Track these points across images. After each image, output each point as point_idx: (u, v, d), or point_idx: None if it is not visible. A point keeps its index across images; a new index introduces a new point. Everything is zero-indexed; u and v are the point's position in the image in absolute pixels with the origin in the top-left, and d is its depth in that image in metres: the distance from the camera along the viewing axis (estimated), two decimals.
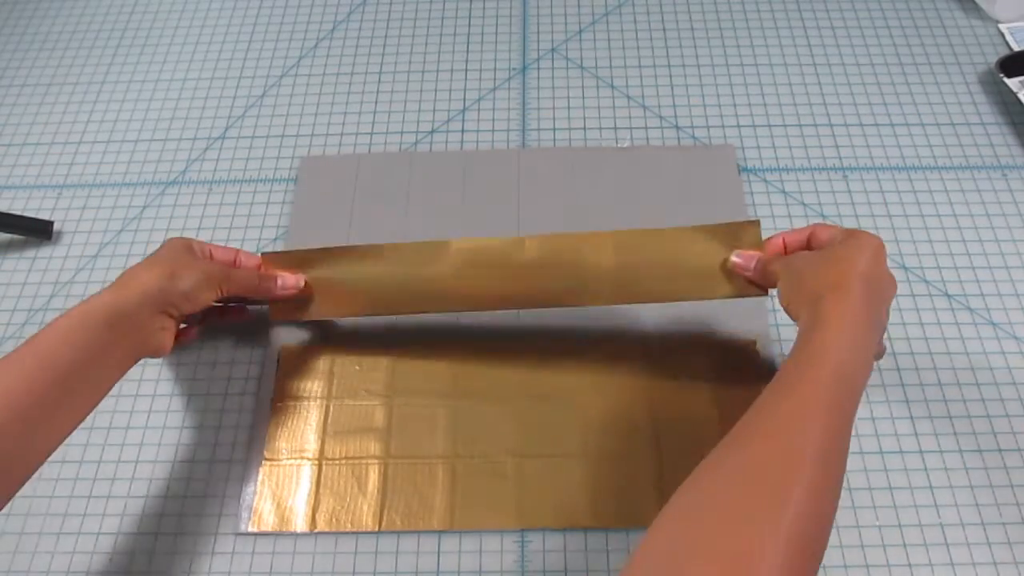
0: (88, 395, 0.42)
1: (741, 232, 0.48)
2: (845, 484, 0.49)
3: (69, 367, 0.40)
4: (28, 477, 0.39)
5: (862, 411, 0.52)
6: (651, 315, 0.56)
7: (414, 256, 0.52)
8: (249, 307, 0.56)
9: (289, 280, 0.52)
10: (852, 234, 0.44)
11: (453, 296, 0.52)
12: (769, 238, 0.48)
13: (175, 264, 0.46)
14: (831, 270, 0.42)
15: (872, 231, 0.59)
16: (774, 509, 0.30)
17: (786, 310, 0.44)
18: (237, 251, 0.52)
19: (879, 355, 0.50)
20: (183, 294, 0.46)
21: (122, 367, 0.44)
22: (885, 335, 0.54)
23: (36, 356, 0.40)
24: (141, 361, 0.55)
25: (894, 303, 0.56)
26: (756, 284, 0.48)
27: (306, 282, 0.53)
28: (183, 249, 0.48)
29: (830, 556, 0.47)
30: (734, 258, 0.48)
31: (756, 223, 0.48)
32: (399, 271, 0.52)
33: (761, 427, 0.35)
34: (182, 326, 0.51)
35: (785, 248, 0.48)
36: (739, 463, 0.33)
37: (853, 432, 0.50)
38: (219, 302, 0.50)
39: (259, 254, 0.54)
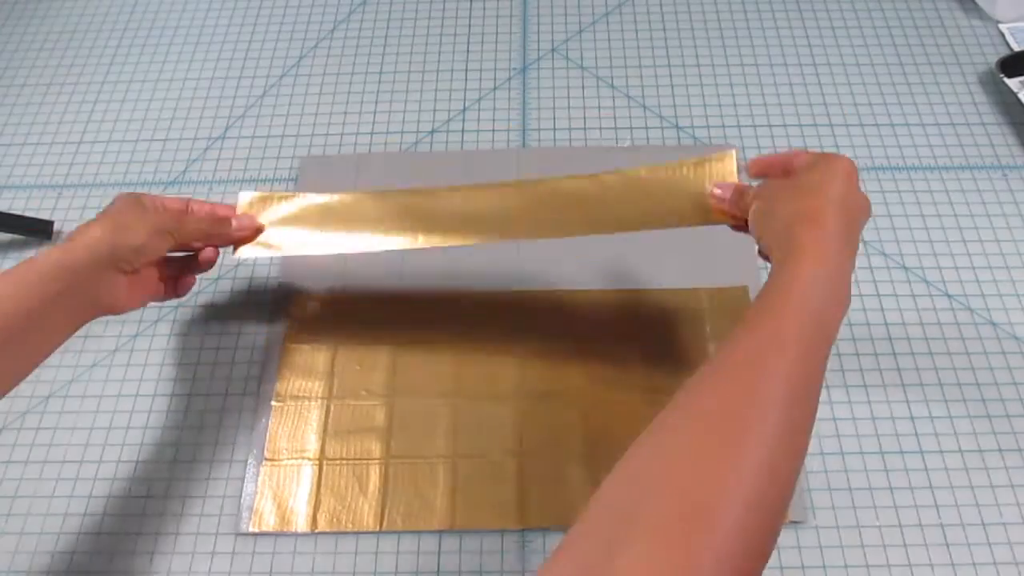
0: (34, 347, 0.42)
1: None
2: (845, 484, 0.49)
3: (14, 316, 0.40)
4: None
5: (862, 411, 0.52)
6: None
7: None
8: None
9: (244, 221, 0.52)
10: (823, 157, 0.42)
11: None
12: (750, 159, 0.47)
13: (122, 217, 0.46)
14: (804, 199, 0.39)
15: (872, 231, 0.59)
16: (738, 446, 0.29)
17: (759, 245, 0.42)
18: (188, 200, 0.51)
19: None
20: (132, 248, 0.45)
21: (72, 323, 0.44)
22: (871, 327, 0.55)
23: None
24: (143, 361, 0.56)
25: (894, 303, 0.56)
26: (732, 215, 0.46)
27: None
28: (132, 203, 0.47)
29: (831, 556, 0.47)
30: (714, 189, 0.47)
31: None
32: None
33: (726, 367, 0.33)
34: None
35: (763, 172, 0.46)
36: (704, 405, 0.32)
37: (853, 431, 0.51)
38: (178, 251, 0.50)
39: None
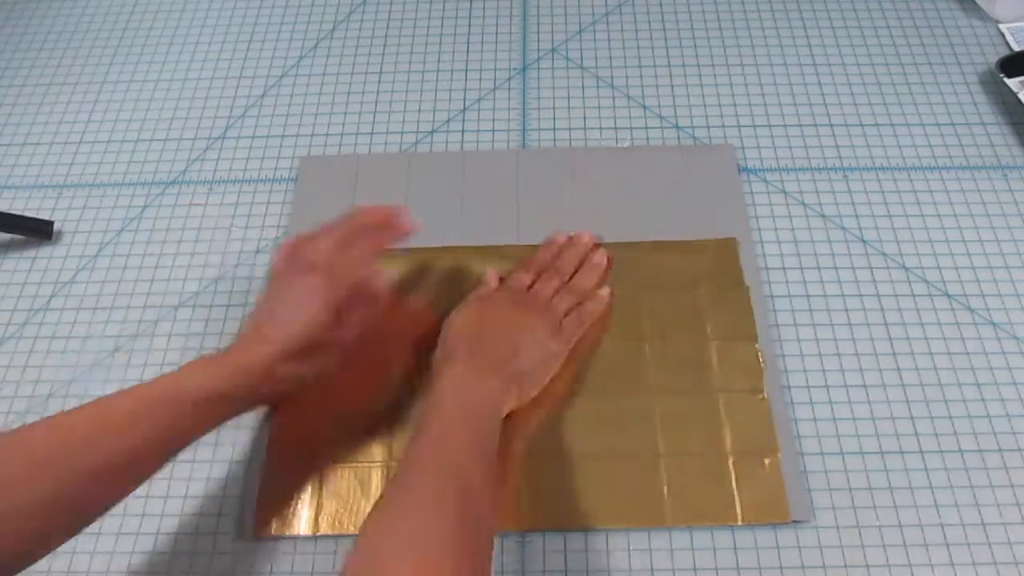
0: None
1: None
2: (846, 483, 0.49)
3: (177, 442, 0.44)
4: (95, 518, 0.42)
5: (862, 410, 0.52)
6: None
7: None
8: None
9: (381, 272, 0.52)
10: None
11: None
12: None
13: (308, 303, 0.46)
14: (443, 342, 0.50)
15: (872, 231, 0.59)
16: (437, 520, 0.37)
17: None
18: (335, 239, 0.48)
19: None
20: (313, 337, 0.47)
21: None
22: (871, 327, 0.55)
23: (150, 429, 0.43)
24: (142, 362, 0.56)
25: (895, 303, 0.56)
26: None
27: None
28: (302, 272, 0.47)
29: (830, 556, 0.47)
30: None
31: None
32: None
33: (411, 466, 0.41)
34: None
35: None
36: (403, 497, 0.39)
37: (853, 432, 0.51)
38: None
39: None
